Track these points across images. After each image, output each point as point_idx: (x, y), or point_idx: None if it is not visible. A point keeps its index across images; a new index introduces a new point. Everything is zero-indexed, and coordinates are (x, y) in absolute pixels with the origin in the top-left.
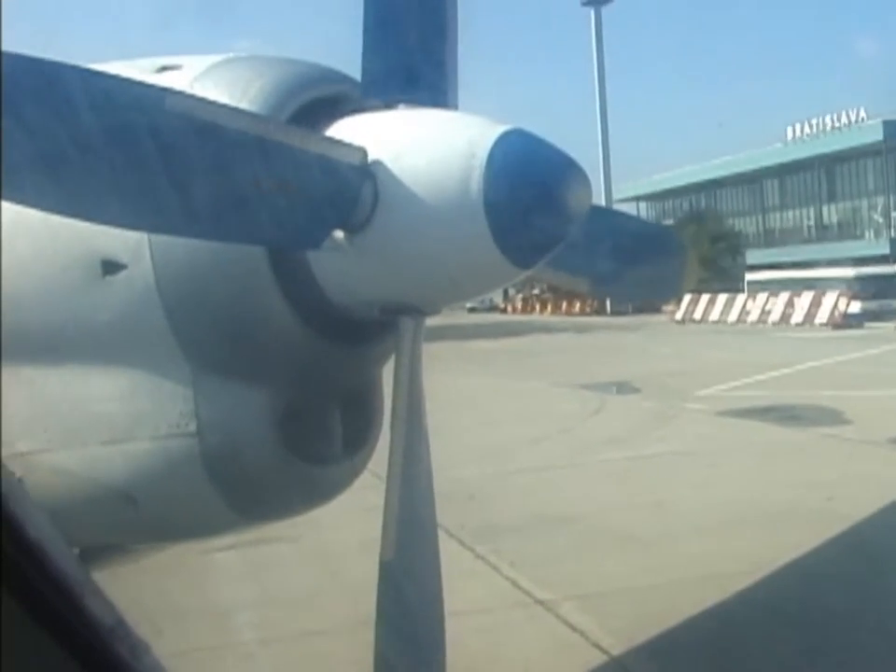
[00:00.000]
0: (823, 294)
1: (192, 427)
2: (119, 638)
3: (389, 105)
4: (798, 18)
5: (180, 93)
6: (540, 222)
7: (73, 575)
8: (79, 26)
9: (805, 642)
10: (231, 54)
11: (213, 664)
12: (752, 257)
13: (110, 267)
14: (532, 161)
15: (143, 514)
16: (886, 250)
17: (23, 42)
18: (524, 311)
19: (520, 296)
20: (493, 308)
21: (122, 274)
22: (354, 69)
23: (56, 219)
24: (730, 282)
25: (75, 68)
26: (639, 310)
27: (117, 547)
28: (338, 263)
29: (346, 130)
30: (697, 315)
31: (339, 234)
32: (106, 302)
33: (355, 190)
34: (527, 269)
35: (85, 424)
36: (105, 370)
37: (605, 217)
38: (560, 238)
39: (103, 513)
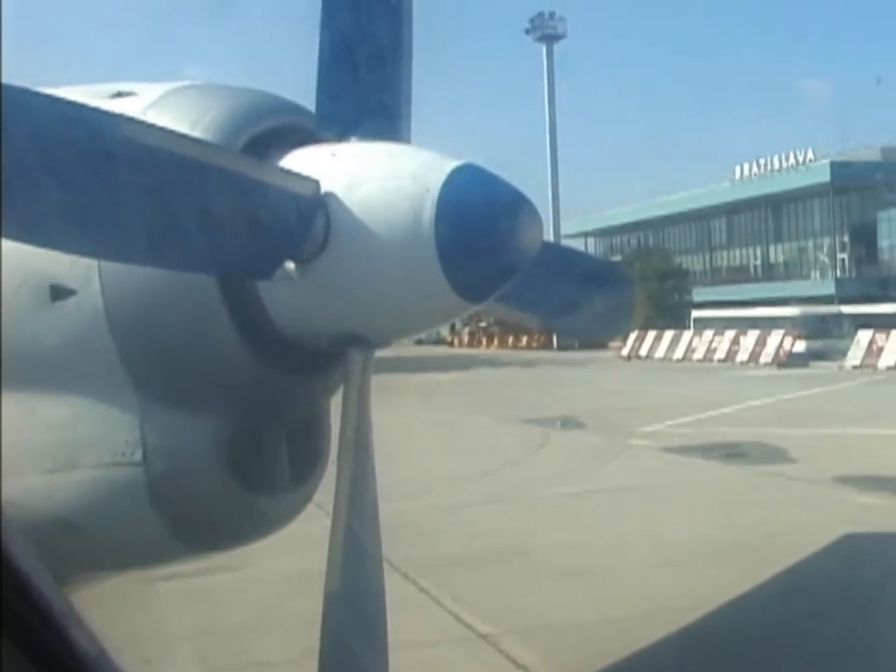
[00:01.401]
0: (769, 333)
1: (138, 456)
2: (101, 668)
3: (343, 137)
4: (748, 58)
5: (133, 120)
6: (492, 258)
7: (57, 605)
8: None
9: None
10: (186, 82)
11: None
12: (699, 294)
13: (59, 292)
14: (484, 196)
15: (86, 543)
16: (831, 290)
17: None
18: (470, 344)
19: (467, 329)
20: (439, 341)
21: (71, 300)
22: (308, 100)
23: (5, 243)
24: (676, 319)
25: (27, 91)
26: (586, 345)
27: (59, 578)
28: (288, 294)
29: (299, 161)
30: (643, 351)
31: (290, 265)
32: (54, 328)
33: (307, 222)
34: (478, 304)
35: (28, 451)
36: (51, 396)
37: (555, 252)
38: (511, 274)
39: (45, 543)
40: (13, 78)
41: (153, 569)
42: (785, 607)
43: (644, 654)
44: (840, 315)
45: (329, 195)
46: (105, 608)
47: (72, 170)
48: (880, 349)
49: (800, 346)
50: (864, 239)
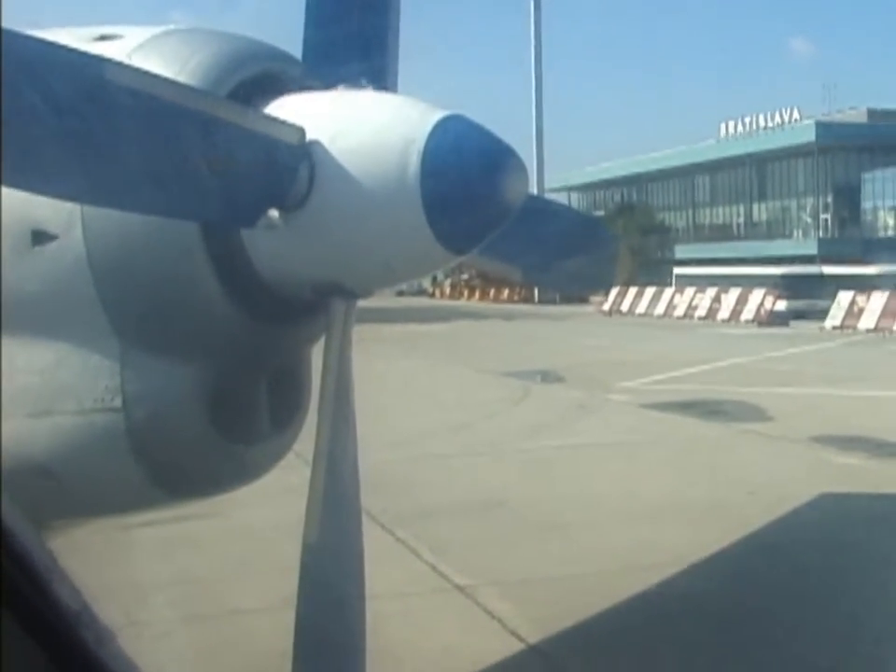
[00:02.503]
0: (750, 291)
1: (118, 402)
2: (85, 624)
3: (329, 85)
4: (736, 17)
5: (118, 63)
6: (476, 209)
7: (39, 559)
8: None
9: (720, 636)
10: (172, 26)
11: (131, 641)
12: (681, 251)
13: (40, 237)
14: (470, 147)
15: (64, 489)
16: (814, 250)
17: None
18: (452, 296)
19: (448, 281)
20: (421, 292)
21: (53, 245)
22: (295, 48)
23: None
24: (658, 276)
25: (9, 31)
26: (567, 300)
27: (37, 523)
28: (272, 242)
29: (285, 108)
30: (624, 307)
31: (274, 213)
32: (35, 273)
33: (291, 170)
34: (461, 255)
35: (8, 396)
36: (31, 341)
37: (539, 206)
38: (495, 226)
39: (24, 488)
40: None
41: (131, 516)
42: (762, 564)
43: (620, 609)
44: (821, 276)
45: (315, 143)
46: (83, 554)
47: (54, 113)
48: (860, 310)
49: (781, 305)
50: (848, 200)
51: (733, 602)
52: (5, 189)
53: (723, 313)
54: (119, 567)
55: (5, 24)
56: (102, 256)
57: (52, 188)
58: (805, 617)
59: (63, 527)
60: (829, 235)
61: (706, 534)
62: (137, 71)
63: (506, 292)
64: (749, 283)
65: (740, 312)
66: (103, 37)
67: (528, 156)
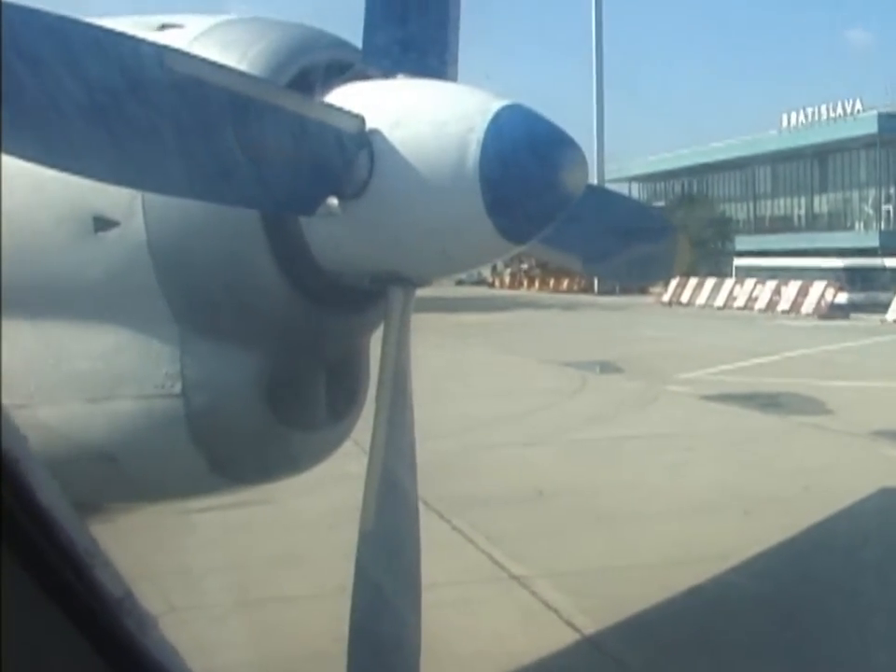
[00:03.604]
0: (811, 283)
1: (177, 388)
2: (127, 611)
3: (389, 73)
4: (793, 8)
5: (180, 52)
6: (536, 199)
7: (82, 545)
8: None
9: (776, 630)
10: (233, 15)
11: (186, 625)
12: (741, 243)
13: (102, 223)
14: (530, 136)
15: (123, 474)
16: (875, 243)
17: None
18: (511, 286)
19: (508, 270)
20: (481, 282)
21: (114, 232)
22: (355, 36)
23: (49, 173)
24: (718, 267)
25: (74, 21)
26: (626, 290)
27: (96, 506)
28: (331, 230)
29: (345, 97)
30: (684, 298)
31: (333, 201)
32: (96, 259)
33: (351, 158)
34: (521, 245)
35: (69, 380)
36: (92, 327)
37: (599, 196)
38: (554, 215)
39: (83, 472)
40: (60, 9)
41: (189, 501)
42: (817, 559)
43: (674, 601)
44: (883, 268)
45: (374, 132)
46: (140, 537)
47: (117, 101)
48: None
49: (842, 298)
50: None
51: (786, 597)
52: (67, 177)
53: (783, 305)
54: (176, 552)
55: (75, 14)
56: (162, 243)
57: (114, 175)
58: (860, 614)
59: (122, 511)
60: (891, 227)
61: (760, 527)
62: (198, 59)
63: (565, 282)
64: (809, 275)
65: (800, 304)
66: (164, 26)
67: (589, 146)
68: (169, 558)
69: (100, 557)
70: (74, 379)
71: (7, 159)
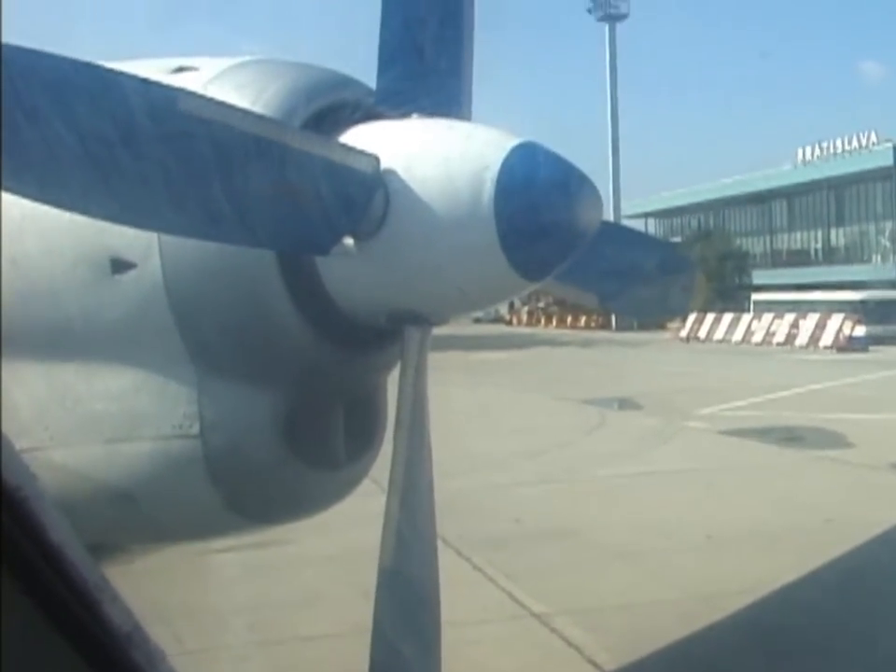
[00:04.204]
0: (828, 317)
1: (195, 429)
2: (136, 645)
3: (403, 113)
4: (804, 42)
5: (195, 94)
6: (551, 236)
7: (91, 579)
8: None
9: (798, 668)
10: (248, 57)
11: (208, 665)
12: (759, 277)
13: (119, 265)
14: (544, 174)
15: (143, 514)
16: (893, 275)
17: (30, 39)
18: (529, 323)
19: (525, 308)
20: (498, 319)
21: (131, 273)
22: (369, 77)
23: (67, 216)
24: (735, 302)
25: (89, 65)
26: (644, 326)
27: (115, 547)
28: (347, 269)
29: (359, 137)
30: (702, 333)
31: (349, 241)
32: (114, 301)
33: (366, 198)
34: (536, 282)
35: (87, 422)
36: (110, 368)
37: (615, 232)
38: (570, 253)
39: (102, 513)
40: (76, 53)
41: (208, 542)
42: (840, 595)
43: (696, 638)
44: None
45: (389, 171)
46: (157, 578)
47: (133, 143)
48: None
49: (860, 331)
50: None
51: (811, 632)
52: (85, 219)
53: (802, 339)
54: (194, 592)
55: (86, 57)
56: (179, 284)
57: (131, 217)
58: (887, 647)
59: (141, 551)
60: None
61: (782, 562)
62: (215, 102)
63: (583, 319)
64: (827, 308)
65: (819, 338)
66: (180, 69)
67: (604, 183)
68: (187, 598)
69: (109, 592)
70: (92, 421)
71: (24, 202)
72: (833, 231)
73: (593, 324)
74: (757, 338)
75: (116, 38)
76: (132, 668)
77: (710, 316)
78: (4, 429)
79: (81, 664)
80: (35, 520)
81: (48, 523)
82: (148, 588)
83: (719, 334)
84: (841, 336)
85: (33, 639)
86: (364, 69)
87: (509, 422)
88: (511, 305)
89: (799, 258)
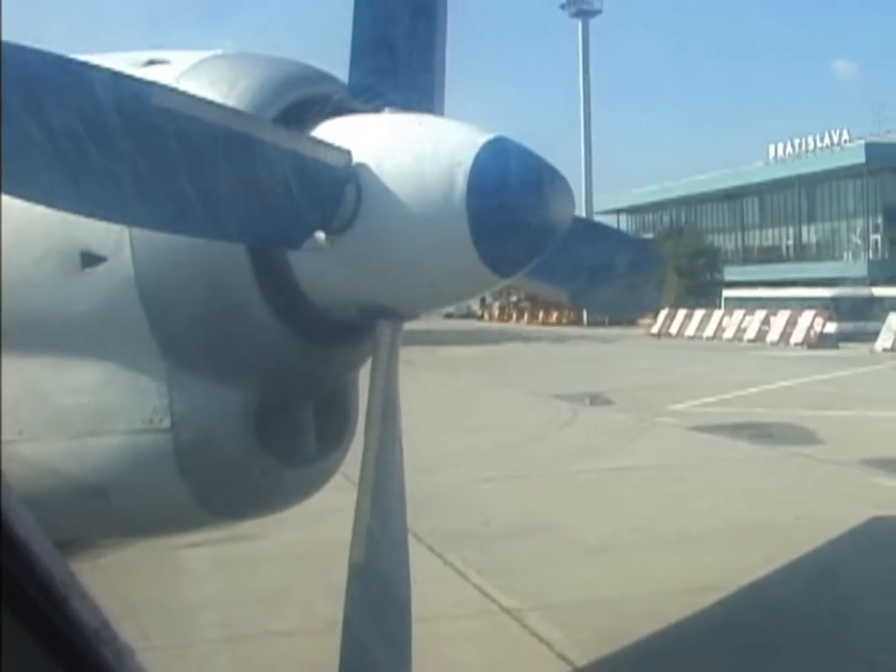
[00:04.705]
0: (800, 314)
1: (166, 423)
2: (104, 642)
3: (376, 108)
4: (782, 38)
5: (166, 88)
6: (523, 232)
7: (58, 575)
8: (66, 23)
9: (767, 662)
10: (219, 51)
11: (176, 662)
12: (730, 273)
13: (90, 259)
14: (516, 170)
15: (113, 509)
16: (864, 272)
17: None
18: (500, 319)
19: (497, 303)
20: (469, 315)
21: (101, 267)
22: (341, 71)
23: (37, 209)
24: (707, 298)
25: (60, 58)
26: (616, 322)
27: (85, 541)
28: (318, 264)
29: (332, 131)
30: (673, 329)
31: (320, 235)
32: (84, 294)
33: (338, 192)
34: (508, 278)
35: (58, 416)
36: (80, 362)
37: (587, 228)
38: (542, 248)
39: (72, 507)
40: (46, 45)
41: (179, 536)
42: (809, 589)
43: (666, 633)
44: (871, 298)
45: (361, 166)
46: (127, 574)
47: (103, 137)
48: None
49: (831, 328)
50: None
51: (780, 628)
52: (55, 213)
53: (773, 335)
54: (164, 587)
55: (58, 49)
56: (150, 278)
57: (101, 211)
58: (853, 643)
59: (112, 546)
60: (879, 257)
61: (752, 558)
62: (185, 95)
63: (555, 315)
64: (798, 305)
65: (790, 334)
66: (151, 62)
67: (577, 179)
68: (156, 594)
69: (76, 588)
70: (62, 414)
71: None
72: (804, 229)
73: (564, 320)
74: (728, 334)
75: (100, 42)
76: (100, 665)
77: (682, 313)
78: None
79: (49, 661)
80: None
81: (12, 518)
82: (117, 583)
83: (690, 330)
84: (812, 333)
85: (1, 637)
86: (337, 64)
87: (480, 417)
88: (483, 301)
89: (770, 254)
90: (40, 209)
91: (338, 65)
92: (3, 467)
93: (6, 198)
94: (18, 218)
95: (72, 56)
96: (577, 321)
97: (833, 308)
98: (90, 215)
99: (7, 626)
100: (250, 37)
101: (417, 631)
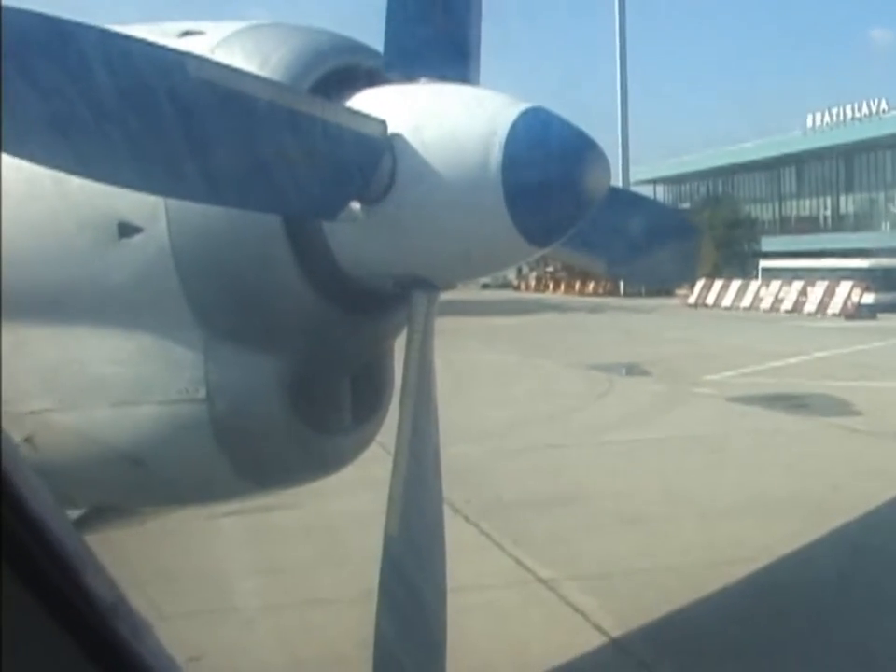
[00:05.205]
0: (837, 284)
1: (202, 393)
2: (121, 617)
3: (411, 78)
4: (819, 6)
5: (201, 58)
6: (559, 202)
7: (73, 549)
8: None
9: (805, 634)
10: (254, 21)
11: (212, 628)
12: (767, 244)
13: (126, 229)
14: (552, 139)
15: (151, 477)
16: None
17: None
18: (537, 289)
19: (534, 274)
20: (506, 285)
21: (137, 237)
22: (376, 41)
23: (74, 180)
24: (744, 268)
25: (94, 28)
26: (652, 292)
27: (124, 509)
28: (354, 234)
29: (367, 101)
30: (710, 299)
31: (356, 205)
32: (120, 265)
33: (373, 162)
34: (544, 248)
35: (95, 385)
36: (117, 332)
37: (623, 198)
38: (578, 218)
39: (110, 475)
40: (81, 16)
41: (216, 505)
42: (847, 560)
43: (702, 604)
44: None
45: (396, 136)
46: (164, 541)
47: (140, 107)
48: None
49: (868, 298)
50: None
51: (817, 599)
52: (92, 183)
53: (810, 306)
54: (202, 555)
55: (97, 22)
56: (185, 248)
57: (138, 182)
58: (885, 614)
59: (150, 514)
60: None
61: (789, 529)
62: (221, 66)
63: (591, 285)
64: (836, 276)
65: (827, 305)
66: (186, 33)
67: (613, 148)
68: (196, 561)
69: (91, 563)
70: (100, 384)
71: (31, 166)
72: (842, 199)
73: (601, 290)
74: (765, 305)
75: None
76: (117, 640)
77: (718, 283)
78: (14, 392)
79: (65, 636)
80: (14, 488)
81: (27, 491)
82: (155, 551)
83: (727, 301)
84: (849, 304)
85: (13, 613)
86: (372, 33)
87: (516, 387)
88: (519, 271)
89: (808, 225)
90: (78, 180)
91: (372, 35)
92: (42, 435)
93: (42, 168)
94: (53, 189)
95: (104, 26)
96: (613, 291)
97: (870, 279)
98: (126, 185)
99: (21, 601)
100: (284, 8)
101: (452, 601)
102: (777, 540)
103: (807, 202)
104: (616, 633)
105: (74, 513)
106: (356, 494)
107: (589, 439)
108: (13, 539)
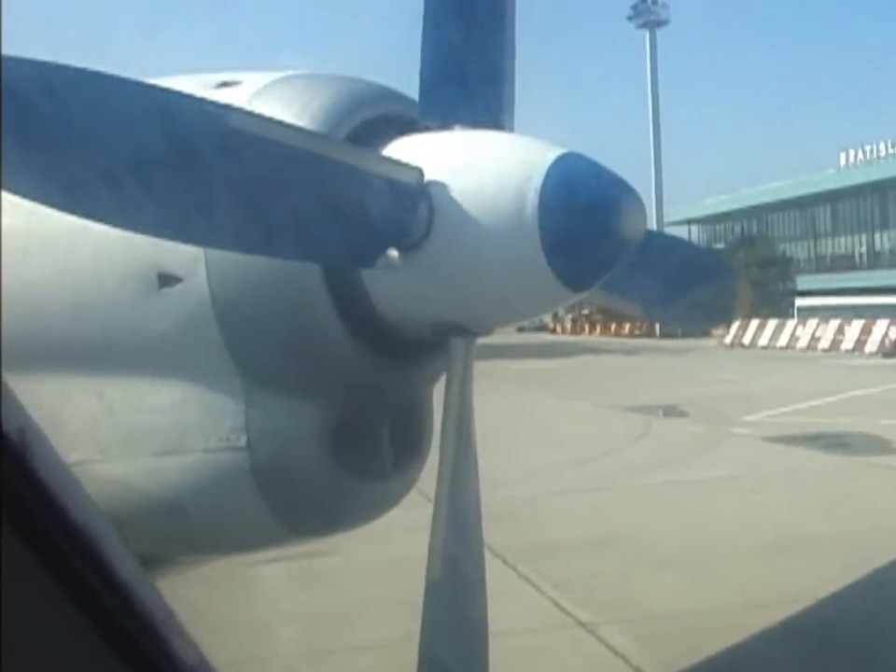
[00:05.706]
0: (874, 322)
1: (243, 441)
2: None
3: (446, 125)
4: (847, 43)
5: (239, 110)
6: (595, 247)
7: (158, 613)
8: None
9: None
10: (290, 71)
11: None
12: (803, 283)
13: (166, 280)
14: (588, 184)
15: (193, 526)
16: None
17: (20, 39)
18: (573, 331)
19: (569, 316)
20: (542, 328)
21: (178, 287)
22: (411, 89)
23: (116, 231)
24: (780, 308)
25: (136, 83)
26: (688, 333)
27: (164, 559)
28: (391, 282)
29: (403, 149)
30: (746, 339)
31: (393, 253)
32: (161, 315)
33: (410, 210)
34: (581, 292)
35: (137, 435)
36: (158, 381)
37: (658, 241)
38: (614, 262)
39: (152, 525)
40: (120, 70)
41: (256, 553)
42: (891, 603)
43: (744, 646)
44: None
45: (433, 183)
46: (207, 589)
47: (181, 159)
48: None
49: None
50: None
51: (860, 640)
52: (133, 235)
53: (847, 344)
54: (244, 603)
55: (138, 76)
56: (225, 297)
57: (178, 233)
58: None
59: (191, 563)
60: None
61: (830, 570)
62: (258, 116)
63: (627, 326)
64: (872, 313)
65: (864, 343)
66: (224, 84)
67: (647, 190)
68: (238, 609)
69: (175, 625)
70: (141, 434)
71: (73, 219)
72: (877, 235)
73: (637, 331)
74: (802, 344)
75: (106, 39)
76: None
77: (755, 323)
78: (56, 443)
79: None
80: (104, 556)
81: (116, 559)
82: (197, 599)
83: (763, 340)
84: (887, 341)
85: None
86: (406, 82)
87: (553, 430)
88: (555, 314)
89: (843, 262)
90: (119, 232)
91: (407, 83)
92: (86, 486)
93: (85, 221)
94: (96, 241)
95: (143, 80)
96: (649, 333)
97: None
98: (166, 237)
99: (111, 666)
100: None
101: (492, 645)
102: (819, 582)
103: (842, 239)
104: None
105: None
106: (397, 540)
107: (627, 481)
108: (103, 605)
